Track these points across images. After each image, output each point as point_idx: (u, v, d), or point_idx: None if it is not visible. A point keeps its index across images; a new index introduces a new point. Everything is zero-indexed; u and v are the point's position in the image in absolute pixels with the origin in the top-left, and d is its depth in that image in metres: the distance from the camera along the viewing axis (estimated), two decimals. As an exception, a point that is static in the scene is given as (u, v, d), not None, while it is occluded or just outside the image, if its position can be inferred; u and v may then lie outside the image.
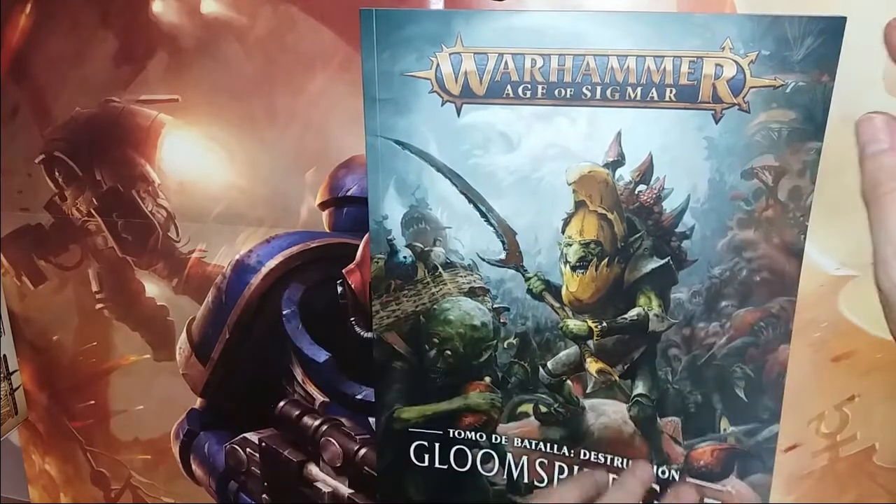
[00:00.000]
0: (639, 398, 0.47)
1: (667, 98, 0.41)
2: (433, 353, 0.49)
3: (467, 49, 0.42)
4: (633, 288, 0.45)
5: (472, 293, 0.48)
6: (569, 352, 0.47)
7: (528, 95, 0.42)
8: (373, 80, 0.44)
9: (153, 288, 0.61)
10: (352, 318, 0.55)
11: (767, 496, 0.47)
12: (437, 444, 0.51)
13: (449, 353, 0.49)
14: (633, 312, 0.46)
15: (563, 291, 0.46)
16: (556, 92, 0.42)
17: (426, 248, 0.47)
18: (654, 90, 0.41)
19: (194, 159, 0.56)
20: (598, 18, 0.41)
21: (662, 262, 0.44)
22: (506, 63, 0.42)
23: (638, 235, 0.44)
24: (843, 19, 0.38)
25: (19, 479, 0.73)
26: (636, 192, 0.44)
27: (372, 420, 0.56)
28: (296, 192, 0.54)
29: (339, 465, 0.56)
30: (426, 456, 0.51)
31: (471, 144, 0.45)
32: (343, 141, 0.52)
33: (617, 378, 0.47)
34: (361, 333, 0.55)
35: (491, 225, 0.46)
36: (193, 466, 0.64)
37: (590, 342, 0.47)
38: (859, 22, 0.38)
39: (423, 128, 0.45)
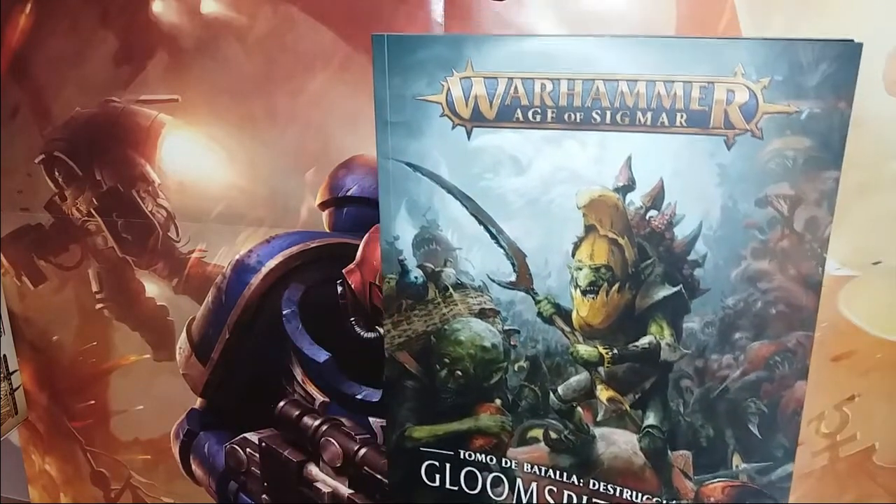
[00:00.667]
0: (650, 429, 0.46)
1: (677, 123, 0.40)
2: (444, 373, 0.49)
3: (477, 73, 0.42)
4: (644, 315, 0.45)
5: (482, 314, 0.47)
6: (579, 378, 0.47)
7: (538, 119, 0.42)
8: (384, 103, 0.44)
9: (153, 288, 0.61)
10: (352, 318, 0.55)
11: None
12: (447, 465, 0.51)
13: (460, 373, 0.48)
14: (644, 340, 0.45)
15: (574, 316, 0.46)
16: (565, 116, 0.42)
17: (437, 269, 0.47)
18: (664, 115, 0.40)
19: (194, 159, 0.56)
20: (607, 43, 0.41)
21: (674, 289, 0.43)
22: (515, 87, 0.42)
23: (649, 262, 0.44)
24: (859, 45, 0.37)
25: (19, 479, 0.73)
26: (647, 218, 0.43)
27: (373, 420, 0.56)
28: (296, 192, 0.54)
29: (339, 465, 0.56)
30: (437, 476, 0.51)
31: (481, 167, 0.44)
32: (343, 141, 0.52)
33: (628, 408, 0.46)
34: (361, 333, 0.55)
35: (501, 247, 0.46)
36: (193, 466, 0.64)
37: (601, 369, 0.46)
38: (857, 22, 0.39)
39: (434, 151, 0.44)
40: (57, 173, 0.60)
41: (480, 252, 0.46)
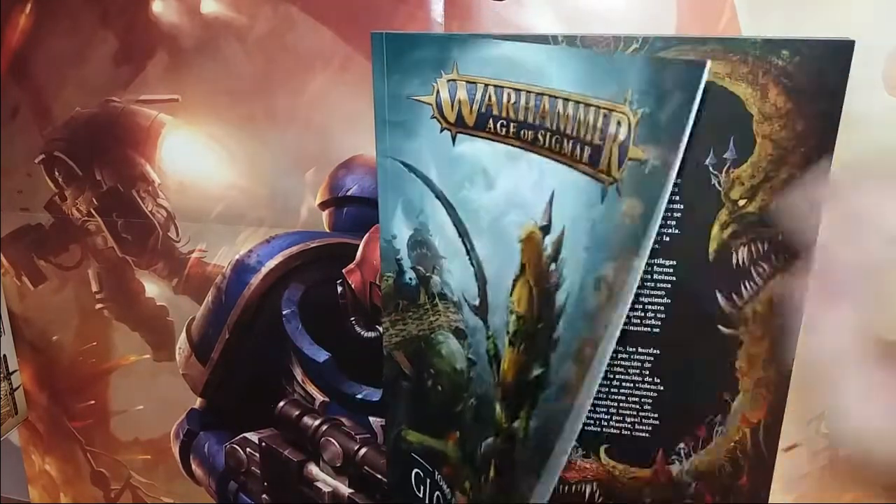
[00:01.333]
0: None
1: (584, 158, 0.34)
2: (430, 383, 0.48)
3: (461, 77, 0.41)
4: (522, 392, 0.39)
5: (457, 333, 0.45)
6: (490, 442, 0.43)
7: (504, 133, 0.40)
8: (383, 102, 0.44)
9: (153, 288, 0.61)
10: (352, 318, 0.55)
11: None
12: (428, 481, 0.50)
13: (440, 388, 0.47)
14: (514, 425, 0.40)
15: (502, 364, 0.41)
16: (521, 133, 0.38)
17: (427, 274, 0.46)
18: (579, 147, 0.34)
19: (194, 159, 0.56)
20: (556, 52, 0.36)
21: (539, 371, 0.38)
22: (489, 95, 0.40)
23: (542, 325, 0.37)
24: (701, 69, 0.29)
25: (19, 479, 0.73)
26: (549, 270, 0.37)
27: (372, 420, 0.56)
28: (296, 192, 0.54)
29: (339, 465, 0.56)
30: (421, 487, 0.51)
31: (461, 176, 0.43)
32: (343, 141, 0.52)
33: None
34: (361, 333, 0.55)
35: (472, 265, 0.43)
36: (193, 466, 0.64)
37: (499, 439, 0.42)
38: (858, 21, 0.38)
39: (425, 153, 0.44)
40: (57, 173, 0.60)
41: (459, 266, 0.44)
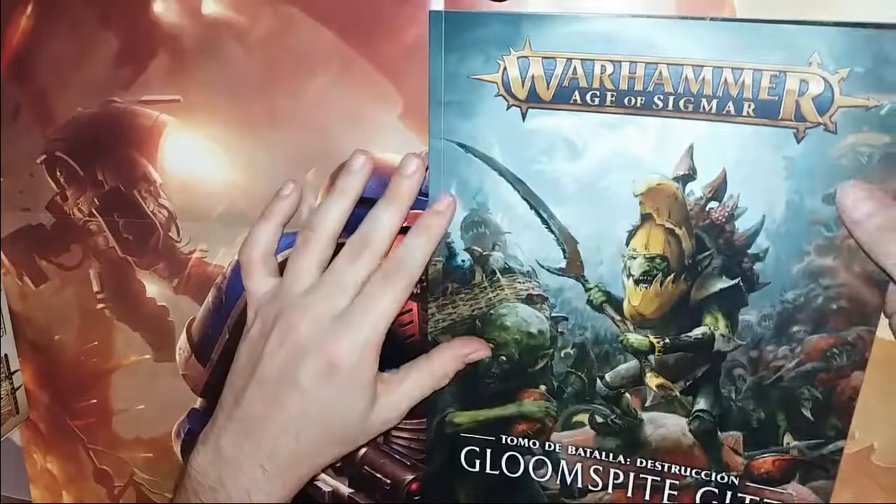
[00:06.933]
0: (700, 413, 0.46)
1: (744, 113, 0.39)
2: (488, 358, 0.49)
3: (535, 53, 0.41)
4: (699, 306, 0.44)
5: (529, 300, 0.47)
6: (628, 365, 0.47)
7: (597, 103, 0.42)
8: (439, 82, 0.43)
9: (154, 288, 0.61)
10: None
11: (828, 498, 0.46)
12: (489, 450, 0.51)
13: (504, 358, 0.48)
14: (698, 331, 0.45)
15: (625, 305, 0.45)
16: (625, 100, 0.41)
17: (485, 253, 0.47)
18: (730, 104, 0.39)
19: (196, 159, 0.56)
20: (671, 25, 0.40)
21: (732, 282, 0.43)
22: (574, 69, 0.41)
23: (707, 254, 0.43)
24: None
25: (21, 479, 0.73)
26: (707, 209, 0.42)
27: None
28: (296, 193, 0.54)
29: (338, 465, 0.56)
30: (477, 461, 0.51)
31: (535, 150, 0.44)
32: (344, 141, 0.52)
33: (678, 394, 0.46)
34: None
35: (552, 233, 0.45)
36: (195, 465, 0.64)
37: (651, 357, 0.46)
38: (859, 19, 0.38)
39: (486, 132, 0.44)
40: (59, 173, 0.60)
41: (530, 237, 0.46)
